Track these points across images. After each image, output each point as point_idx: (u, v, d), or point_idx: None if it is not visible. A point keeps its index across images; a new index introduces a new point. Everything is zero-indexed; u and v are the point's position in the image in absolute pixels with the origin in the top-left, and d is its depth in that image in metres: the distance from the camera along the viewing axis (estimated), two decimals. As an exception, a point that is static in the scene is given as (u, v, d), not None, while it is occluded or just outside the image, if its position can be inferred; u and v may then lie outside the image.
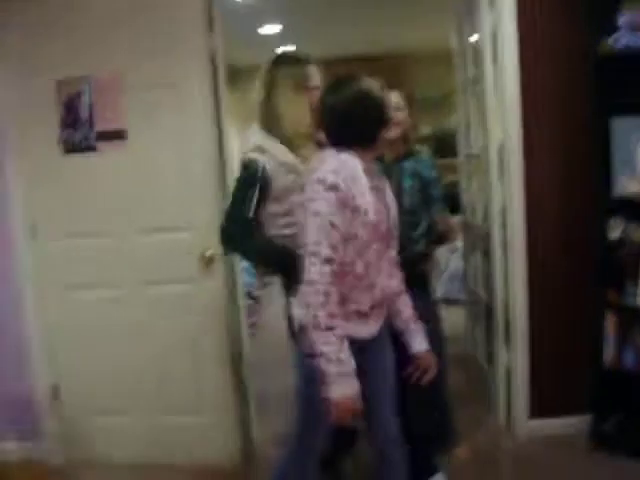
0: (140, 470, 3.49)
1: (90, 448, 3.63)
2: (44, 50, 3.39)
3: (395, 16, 6.29)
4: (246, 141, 2.77)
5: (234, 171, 3.53)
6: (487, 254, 3.95)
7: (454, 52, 4.36)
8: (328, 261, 2.10)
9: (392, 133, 3.12)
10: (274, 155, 2.66)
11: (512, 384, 3.58)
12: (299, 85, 2.72)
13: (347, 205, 2.12)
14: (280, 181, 2.65)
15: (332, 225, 2.11)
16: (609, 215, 3.20)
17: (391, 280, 2.39)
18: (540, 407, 3.55)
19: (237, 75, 7.76)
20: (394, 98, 3.15)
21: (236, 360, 3.56)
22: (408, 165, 3.13)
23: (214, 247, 3.33)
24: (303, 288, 2.12)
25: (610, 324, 3.25)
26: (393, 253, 2.41)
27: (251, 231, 2.65)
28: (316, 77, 2.77)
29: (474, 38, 3.81)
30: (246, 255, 2.81)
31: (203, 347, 3.46)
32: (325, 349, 2.08)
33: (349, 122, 2.27)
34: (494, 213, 3.62)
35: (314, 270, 2.10)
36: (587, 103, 3.24)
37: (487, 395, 3.93)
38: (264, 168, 2.62)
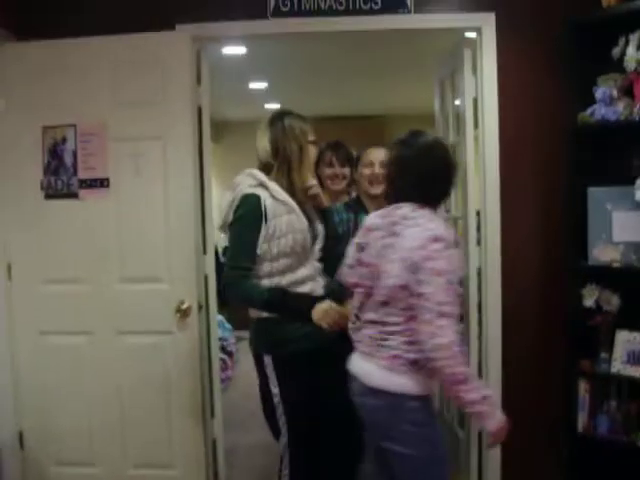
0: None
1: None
2: (31, 95, 3.40)
3: (378, 81, 6.42)
4: (243, 180, 2.80)
5: (215, 224, 3.56)
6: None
7: (436, 117, 4.44)
8: (457, 319, 2.15)
9: (378, 188, 3.20)
10: (275, 192, 2.71)
11: (484, 449, 3.55)
12: (303, 138, 2.82)
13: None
14: (279, 220, 2.69)
15: (451, 283, 2.14)
16: (584, 282, 3.23)
17: None
18: (513, 474, 3.53)
19: (223, 128, 7.89)
20: (381, 155, 3.24)
21: (208, 414, 3.52)
22: None
23: (190, 299, 3.36)
24: (439, 351, 2.11)
25: (583, 391, 3.24)
26: None
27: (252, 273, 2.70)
28: (312, 132, 2.86)
29: (456, 102, 3.88)
30: (251, 300, 2.74)
31: (175, 399, 3.42)
32: (484, 392, 2.18)
33: (433, 180, 2.31)
34: (471, 275, 3.64)
35: (450, 331, 2.11)
36: (565, 172, 3.29)
37: (458, 458, 3.89)
38: (265, 203, 2.68)
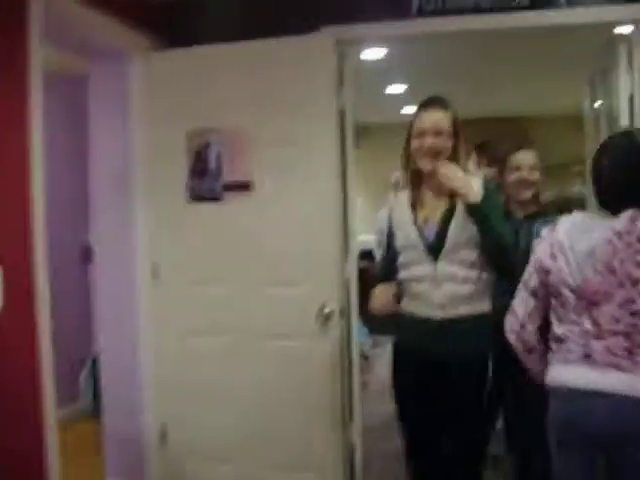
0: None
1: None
2: (177, 101, 3.50)
3: (521, 82, 6.23)
4: None
5: (355, 229, 3.60)
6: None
7: (585, 117, 4.23)
8: None
9: (527, 193, 3.08)
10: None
11: None
12: (410, 130, 2.81)
13: None
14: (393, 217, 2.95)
15: None
16: None
17: None
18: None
19: (363, 133, 7.85)
20: (530, 158, 3.14)
21: (346, 418, 3.51)
22: (538, 225, 3.03)
23: (332, 304, 3.34)
24: None
25: None
26: None
27: None
28: (425, 121, 2.76)
29: (602, 102, 3.69)
30: None
31: (315, 403, 3.41)
32: None
33: None
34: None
35: None
36: None
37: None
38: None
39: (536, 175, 3.16)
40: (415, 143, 2.76)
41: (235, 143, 3.44)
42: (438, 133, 2.71)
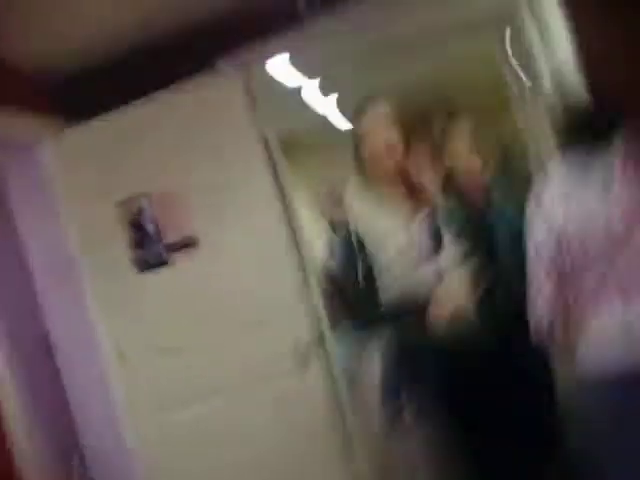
0: None
1: None
2: (98, 175, 3.39)
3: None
4: None
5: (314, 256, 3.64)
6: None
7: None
8: None
9: None
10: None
11: None
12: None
13: None
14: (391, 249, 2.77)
15: None
16: None
17: None
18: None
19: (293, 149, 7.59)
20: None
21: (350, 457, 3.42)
22: None
23: (304, 338, 3.28)
24: None
25: None
26: None
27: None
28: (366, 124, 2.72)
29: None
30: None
31: (316, 441, 3.33)
32: None
33: None
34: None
35: None
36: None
37: None
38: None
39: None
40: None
41: (167, 202, 3.35)
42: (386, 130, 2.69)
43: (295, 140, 7.08)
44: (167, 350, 3.43)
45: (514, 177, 3.14)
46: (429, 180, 2.64)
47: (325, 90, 6.66)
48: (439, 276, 2.61)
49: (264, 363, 3.32)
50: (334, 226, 5.28)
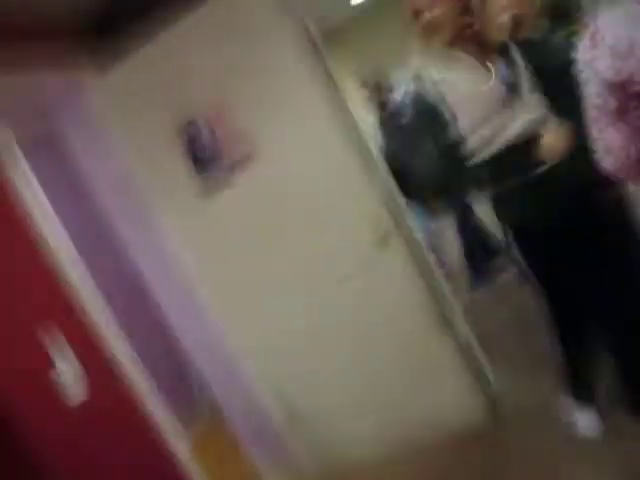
0: (390, 459, 3.41)
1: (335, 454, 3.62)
2: (151, 102, 3.34)
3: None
4: None
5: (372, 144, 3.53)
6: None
7: None
8: None
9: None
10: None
11: None
12: None
13: None
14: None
15: None
16: None
17: None
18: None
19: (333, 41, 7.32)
20: None
21: (449, 318, 3.46)
22: None
23: (383, 224, 3.25)
24: None
25: None
26: None
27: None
28: None
29: None
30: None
31: (407, 324, 3.34)
32: None
33: None
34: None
35: None
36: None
37: None
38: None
39: None
40: None
41: (223, 120, 3.28)
42: None
43: (334, 29, 6.84)
44: (245, 260, 3.43)
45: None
46: (497, 29, 2.45)
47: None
48: (535, 123, 2.50)
49: (347, 254, 3.32)
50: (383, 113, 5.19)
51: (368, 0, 6.66)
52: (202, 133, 3.31)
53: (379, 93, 5.21)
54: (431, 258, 3.67)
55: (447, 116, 2.53)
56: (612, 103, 1.93)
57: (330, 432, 3.61)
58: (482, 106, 2.51)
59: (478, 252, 5.31)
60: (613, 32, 1.88)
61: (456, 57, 2.55)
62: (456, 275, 5.29)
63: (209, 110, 3.29)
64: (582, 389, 2.93)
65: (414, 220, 3.63)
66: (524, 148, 2.48)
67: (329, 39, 3.84)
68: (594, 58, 1.91)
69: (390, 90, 5.22)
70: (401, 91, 4.71)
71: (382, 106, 5.22)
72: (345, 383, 3.50)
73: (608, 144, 1.98)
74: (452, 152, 2.56)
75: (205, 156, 3.34)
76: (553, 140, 2.46)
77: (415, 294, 3.33)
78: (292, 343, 3.45)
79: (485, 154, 2.55)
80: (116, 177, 3.46)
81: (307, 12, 3.38)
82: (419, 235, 3.67)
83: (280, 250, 3.38)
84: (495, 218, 2.86)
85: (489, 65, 2.53)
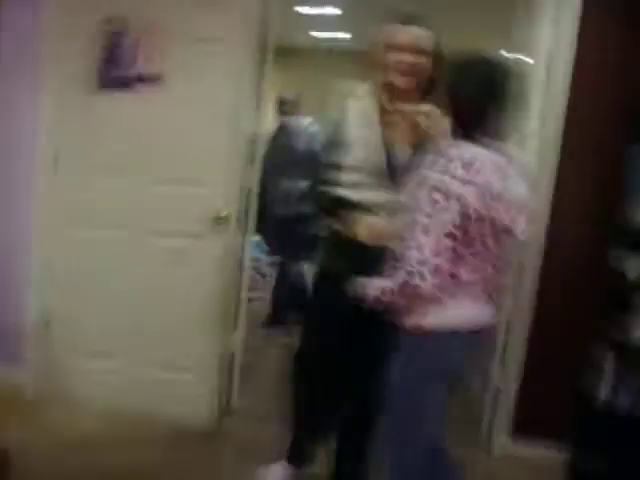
0: (113, 417, 3.45)
1: (69, 387, 3.60)
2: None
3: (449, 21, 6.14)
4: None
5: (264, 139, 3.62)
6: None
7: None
8: None
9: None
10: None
11: (500, 404, 3.56)
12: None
13: None
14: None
15: None
16: (628, 252, 3.10)
17: None
18: (524, 431, 3.52)
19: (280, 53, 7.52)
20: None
21: (230, 327, 3.57)
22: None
23: (229, 208, 3.36)
24: None
25: (610, 362, 3.17)
26: None
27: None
28: (406, 37, 2.56)
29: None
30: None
31: (200, 306, 3.43)
32: None
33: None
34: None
35: None
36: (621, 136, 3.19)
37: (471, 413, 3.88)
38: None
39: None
40: (392, 57, 2.56)
41: (151, 34, 3.34)
42: (419, 52, 2.55)
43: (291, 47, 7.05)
44: (100, 172, 3.47)
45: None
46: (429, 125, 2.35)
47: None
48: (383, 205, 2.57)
49: (183, 217, 3.41)
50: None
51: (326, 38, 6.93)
52: (128, 34, 3.36)
53: (287, 110, 5.43)
54: (247, 273, 3.78)
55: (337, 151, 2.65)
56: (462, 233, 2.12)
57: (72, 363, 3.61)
58: (371, 164, 2.61)
59: (283, 305, 5.50)
60: (487, 173, 2.08)
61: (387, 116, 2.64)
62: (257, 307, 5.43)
63: (145, 20, 3.35)
64: (296, 454, 3.01)
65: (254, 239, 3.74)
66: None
67: (282, 53, 3.98)
68: (464, 190, 2.07)
69: (296, 113, 5.44)
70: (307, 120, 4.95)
71: (282, 122, 5.43)
72: (112, 321, 3.53)
73: (440, 266, 2.12)
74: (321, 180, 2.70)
75: (119, 55, 3.38)
76: (371, 225, 2.54)
77: (214, 285, 3.43)
78: (95, 271, 3.52)
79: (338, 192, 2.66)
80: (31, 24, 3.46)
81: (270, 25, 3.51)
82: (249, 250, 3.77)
83: (137, 172, 3.42)
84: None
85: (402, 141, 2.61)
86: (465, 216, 2.08)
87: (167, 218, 3.42)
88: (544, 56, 3.43)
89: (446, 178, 2.08)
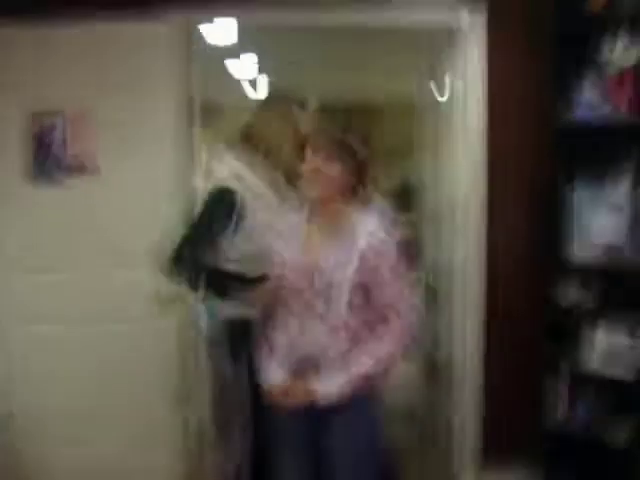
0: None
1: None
2: (18, 82, 3.38)
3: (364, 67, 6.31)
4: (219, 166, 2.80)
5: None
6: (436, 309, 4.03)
7: (417, 108, 4.42)
8: None
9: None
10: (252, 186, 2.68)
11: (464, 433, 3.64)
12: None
13: None
14: (257, 217, 2.65)
15: None
16: (563, 281, 3.26)
17: None
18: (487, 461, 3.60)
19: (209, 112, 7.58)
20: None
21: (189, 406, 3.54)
22: None
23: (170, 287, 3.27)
24: None
25: (562, 387, 3.29)
26: None
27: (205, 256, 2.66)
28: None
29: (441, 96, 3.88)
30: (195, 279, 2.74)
31: (156, 386, 3.41)
32: None
33: None
34: (455, 269, 3.67)
35: None
36: (550, 169, 3.30)
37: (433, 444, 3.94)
38: (242, 200, 2.64)
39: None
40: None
41: (80, 125, 3.38)
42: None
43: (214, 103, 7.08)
44: (38, 268, 3.45)
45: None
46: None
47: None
48: None
49: (128, 302, 3.39)
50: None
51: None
52: (56, 128, 3.39)
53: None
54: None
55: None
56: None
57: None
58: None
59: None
60: None
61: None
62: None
63: (73, 110, 3.38)
64: None
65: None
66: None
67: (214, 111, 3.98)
68: None
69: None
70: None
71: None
72: (78, 413, 3.48)
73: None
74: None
75: (52, 148, 3.40)
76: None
77: (168, 368, 3.43)
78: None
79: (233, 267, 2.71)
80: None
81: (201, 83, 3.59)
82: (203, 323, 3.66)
83: (76, 264, 3.42)
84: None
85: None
86: None
87: (112, 304, 3.40)
88: (459, 95, 3.58)
89: None
